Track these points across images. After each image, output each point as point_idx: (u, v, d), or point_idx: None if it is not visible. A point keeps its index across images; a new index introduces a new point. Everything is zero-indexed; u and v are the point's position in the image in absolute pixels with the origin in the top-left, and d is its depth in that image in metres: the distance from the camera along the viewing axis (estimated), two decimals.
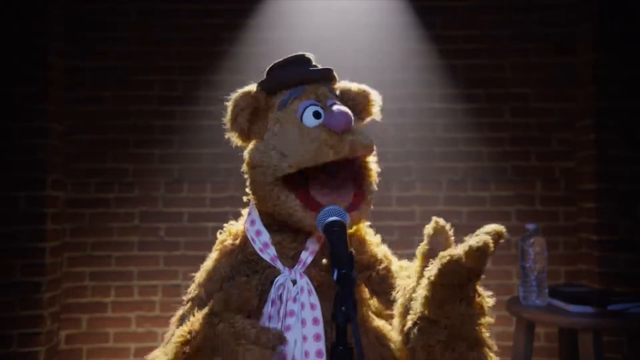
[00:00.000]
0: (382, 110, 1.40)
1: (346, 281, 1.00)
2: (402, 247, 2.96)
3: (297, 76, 1.33)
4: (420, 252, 1.23)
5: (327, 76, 1.36)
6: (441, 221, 1.23)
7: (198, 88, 3.08)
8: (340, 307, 1.01)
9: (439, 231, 1.22)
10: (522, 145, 3.06)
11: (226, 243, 1.38)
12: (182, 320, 1.28)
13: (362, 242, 1.37)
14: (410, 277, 1.23)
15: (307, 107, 1.28)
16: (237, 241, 1.37)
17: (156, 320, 2.95)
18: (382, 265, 1.34)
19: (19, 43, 2.82)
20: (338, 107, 1.26)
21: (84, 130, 3.05)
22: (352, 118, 1.24)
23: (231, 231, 1.41)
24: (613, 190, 2.83)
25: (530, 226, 2.24)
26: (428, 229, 1.24)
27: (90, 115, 3.05)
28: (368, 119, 1.33)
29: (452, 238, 1.22)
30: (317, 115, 1.27)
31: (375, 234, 1.43)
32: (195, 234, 3.01)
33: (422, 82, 3.06)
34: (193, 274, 1.41)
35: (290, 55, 1.37)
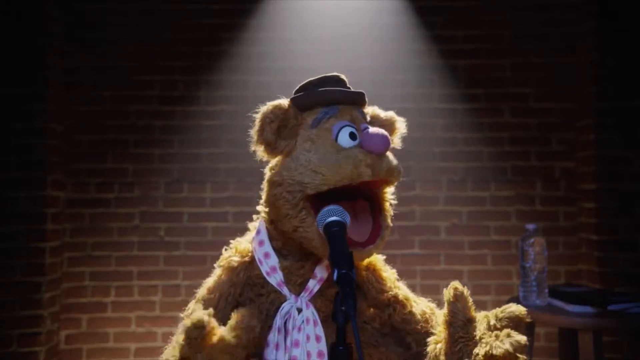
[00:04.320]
0: (404, 132, 1.43)
1: (346, 281, 1.00)
2: (402, 247, 2.99)
3: (333, 95, 1.28)
4: (442, 322, 1.18)
5: (359, 99, 1.33)
6: (460, 287, 1.18)
7: (198, 88, 3.08)
8: (340, 307, 1.01)
9: (458, 298, 1.17)
10: (522, 145, 3.06)
11: (232, 259, 1.32)
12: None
13: (379, 280, 1.34)
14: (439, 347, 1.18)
15: (342, 127, 1.24)
16: (243, 260, 1.32)
17: (156, 320, 2.95)
18: (406, 309, 1.31)
19: (19, 43, 2.82)
20: (375, 129, 1.25)
21: (84, 130, 3.05)
22: (390, 140, 1.25)
23: (238, 248, 1.35)
24: (613, 190, 2.83)
25: (530, 226, 2.25)
26: (448, 296, 1.18)
27: (90, 115, 3.05)
28: None
29: (472, 303, 1.18)
30: (352, 136, 1.24)
31: (389, 267, 1.39)
32: (195, 234, 3.00)
33: (422, 82, 3.06)
34: (194, 284, 1.39)
35: (325, 74, 1.32)
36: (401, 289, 1.35)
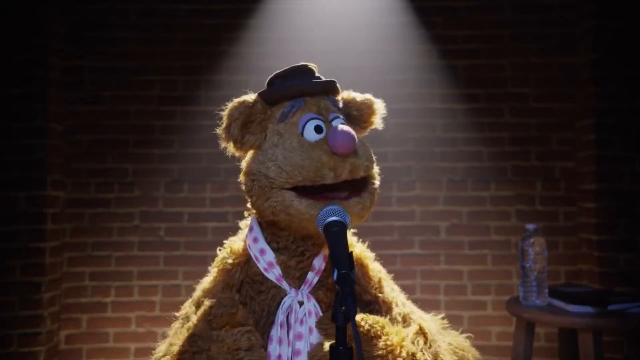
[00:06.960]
0: (385, 118, 1.38)
1: (346, 281, 1.00)
2: (402, 247, 2.99)
3: (298, 88, 1.27)
4: None
5: (329, 88, 1.31)
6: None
7: (198, 88, 3.08)
8: (340, 308, 1.01)
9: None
10: (522, 145, 3.06)
11: (226, 261, 1.32)
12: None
13: (365, 278, 1.33)
14: None
15: (308, 120, 1.24)
16: (238, 260, 1.31)
17: (156, 320, 2.95)
18: (381, 314, 1.28)
19: (19, 43, 2.82)
20: (342, 126, 1.19)
21: (84, 130, 3.05)
22: (355, 140, 1.18)
23: (232, 248, 1.35)
24: (613, 190, 2.83)
25: (530, 226, 2.24)
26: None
27: (90, 115, 3.05)
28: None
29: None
30: (318, 129, 1.23)
31: (375, 260, 1.38)
32: (195, 234, 3.01)
33: (422, 82, 3.06)
34: (194, 284, 1.39)
35: (292, 66, 1.32)
36: (383, 292, 1.34)
